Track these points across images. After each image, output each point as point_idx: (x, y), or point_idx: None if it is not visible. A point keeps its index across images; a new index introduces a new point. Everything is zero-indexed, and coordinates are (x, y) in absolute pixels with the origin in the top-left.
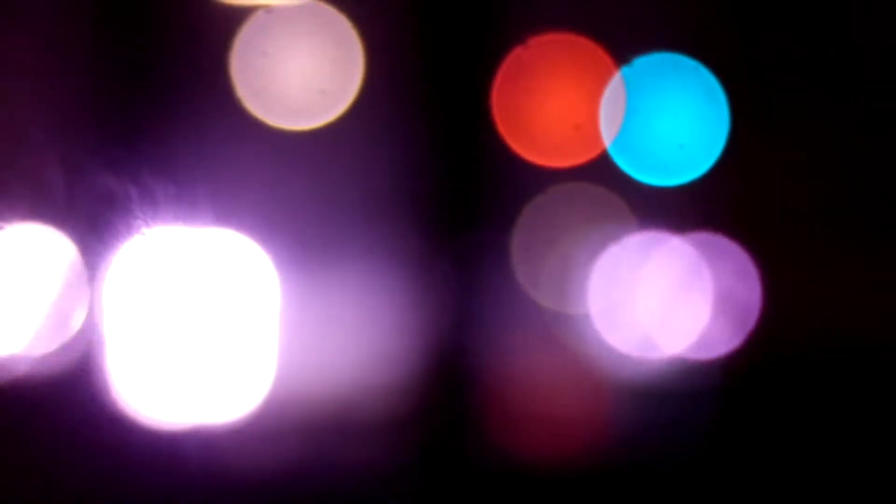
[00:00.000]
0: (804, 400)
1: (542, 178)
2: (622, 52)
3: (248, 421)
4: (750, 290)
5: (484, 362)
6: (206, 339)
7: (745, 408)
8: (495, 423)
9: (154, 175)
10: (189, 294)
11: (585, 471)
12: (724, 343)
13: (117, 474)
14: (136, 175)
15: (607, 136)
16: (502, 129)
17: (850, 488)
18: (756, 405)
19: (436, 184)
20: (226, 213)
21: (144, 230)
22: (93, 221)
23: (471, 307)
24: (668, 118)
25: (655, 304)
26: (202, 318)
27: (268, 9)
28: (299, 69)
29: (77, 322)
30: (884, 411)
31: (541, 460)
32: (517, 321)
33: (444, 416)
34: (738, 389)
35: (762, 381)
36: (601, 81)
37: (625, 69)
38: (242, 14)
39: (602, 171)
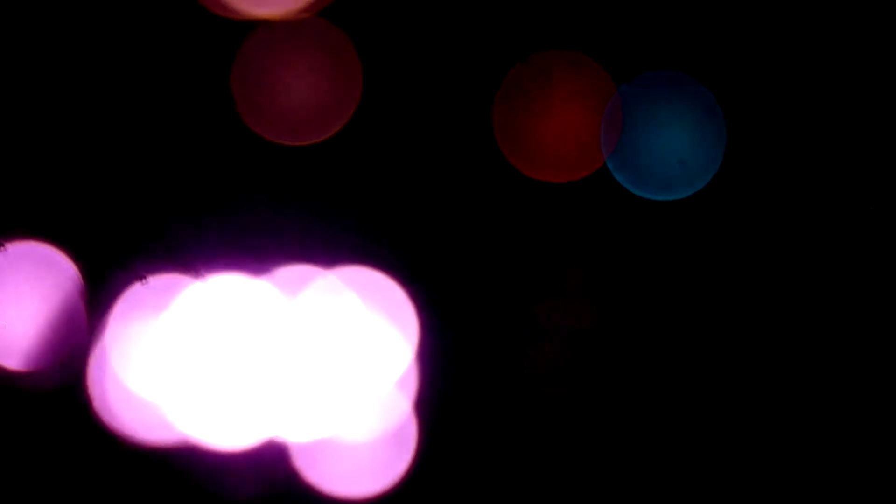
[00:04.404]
0: None
1: (542, 193)
2: (622, 70)
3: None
4: None
5: (481, 370)
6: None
7: None
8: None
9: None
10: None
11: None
12: None
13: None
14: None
15: (606, 151)
16: (503, 145)
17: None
18: None
19: (434, 199)
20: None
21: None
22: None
23: (468, 322)
24: (667, 134)
25: None
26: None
27: (268, 25)
28: (299, 85)
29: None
30: None
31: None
32: (516, 333)
33: (443, 418)
34: None
35: None
36: (600, 98)
37: (624, 86)
38: (243, 30)
39: (601, 186)
